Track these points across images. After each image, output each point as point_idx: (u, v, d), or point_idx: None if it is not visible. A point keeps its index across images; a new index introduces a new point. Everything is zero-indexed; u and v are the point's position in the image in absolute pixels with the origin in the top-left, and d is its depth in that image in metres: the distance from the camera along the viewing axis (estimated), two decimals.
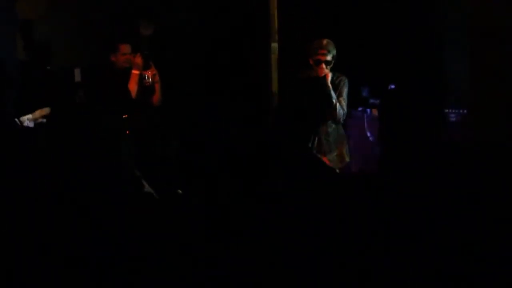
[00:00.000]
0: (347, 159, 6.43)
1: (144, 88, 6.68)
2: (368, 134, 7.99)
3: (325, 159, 6.09)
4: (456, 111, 7.61)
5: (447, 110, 7.52)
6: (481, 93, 5.83)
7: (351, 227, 2.49)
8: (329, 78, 6.16)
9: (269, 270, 2.75)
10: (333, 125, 6.31)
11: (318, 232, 2.73)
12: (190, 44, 7.89)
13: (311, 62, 6.24)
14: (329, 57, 6.18)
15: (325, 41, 6.22)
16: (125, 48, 6.83)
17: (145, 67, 6.68)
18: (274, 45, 8.20)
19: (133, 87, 6.63)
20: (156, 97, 6.80)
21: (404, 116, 2.43)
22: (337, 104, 6.16)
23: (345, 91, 6.28)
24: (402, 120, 2.46)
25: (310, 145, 6.16)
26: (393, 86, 7.42)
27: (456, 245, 2.32)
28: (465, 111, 7.34)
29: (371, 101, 8.15)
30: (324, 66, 6.16)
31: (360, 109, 8.18)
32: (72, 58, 7.89)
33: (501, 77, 5.67)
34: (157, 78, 6.73)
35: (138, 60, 6.67)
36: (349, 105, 7.72)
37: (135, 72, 6.66)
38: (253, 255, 2.72)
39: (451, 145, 2.57)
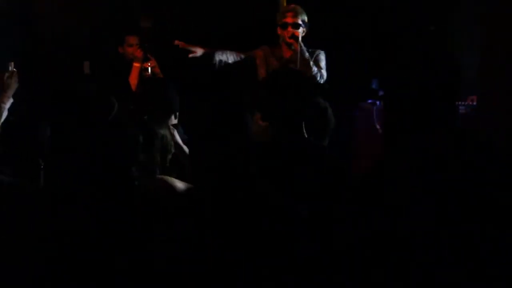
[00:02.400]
0: None
1: (145, 81, 6.71)
2: (378, 127, 7.92)
3: None
4: (466, 103, 7.52)
5: (458, 103, 7.45)
6: (489, 84, 5.76)
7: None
8: (299, 37, 5.96)
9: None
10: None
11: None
12: (193, 39, 7.87)
13: (278, 31, 6.07)
14: (298, 20, 6.00)
15: (292, 5, 6.12)
16: (132, 39, 6.88)
17: (145, 60, 6.72)
18: None
19: (133, 80, 6.68)
20: None
21: (412, 107, 2.36)
22: (311, 62, 5.93)
23: (322, 60, 6.08)
24: (410, 112, 2.38)
25: None
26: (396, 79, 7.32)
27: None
28: (474, 103, 7.27)
29: (381, 93, 8.08)
30: (291, 28, 5.96)
31: (369, 101, 8.11)
32: (82, 51, 7.92)
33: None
34: (157, 70, 6.76)
35: (138, 52, 6.71)
36: (358, 97, 7.69)
37: (135, 65, 6.70)
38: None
39: (463, 136, 2.48)
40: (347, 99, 7.78)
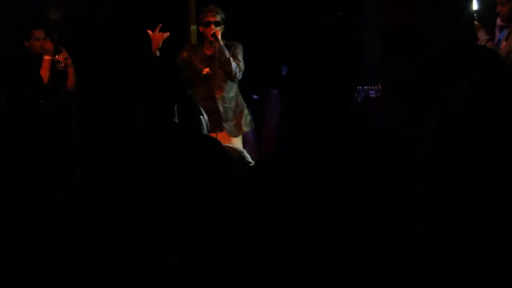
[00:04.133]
0: (245, 129, 6.73)
1: (57, 73, 6.69)
2: None
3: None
4: (376, 87, 7.70)
5: (362, 87, 7.65)
6: (390, 70, 5.90)
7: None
8: (219, 35, 6.38)
9: None
10: (232, 92, 6.63)
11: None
12: (105, 28, 7.82)
13: (201, 29, 6.54)
14: (218, 18, 6.45)
15: (211, 6, 6.53)
16: (38, 33, 6.80)
17: (56, 52, 6.70)
18: (193, 27, 8.16)
19: (45, 73, 6.60)
20: (70, 81, 6.80)
21: (307, 92, 2.41)
22: (230, 58, 6.41)
23: (239, 53, 6.56)
24: (304, 97, 2.44)
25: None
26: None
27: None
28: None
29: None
30: (213, 26, 6.39)
31: None
32: None
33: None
34: (69, 61, 6.73)
35: (48, 45, 6.66)
36: (268, 84, 7.83)
37: (46, 57, 6.65)
38: None
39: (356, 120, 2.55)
40: (257, 86, 7.90)
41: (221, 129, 6.53)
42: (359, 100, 7.68)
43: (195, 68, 6.47)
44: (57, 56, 6.66)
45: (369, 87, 7.76)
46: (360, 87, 7.65)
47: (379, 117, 5.94)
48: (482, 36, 6.00)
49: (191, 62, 6.50)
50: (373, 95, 7.73)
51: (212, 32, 6.36)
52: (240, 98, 6.70)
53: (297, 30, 8.00)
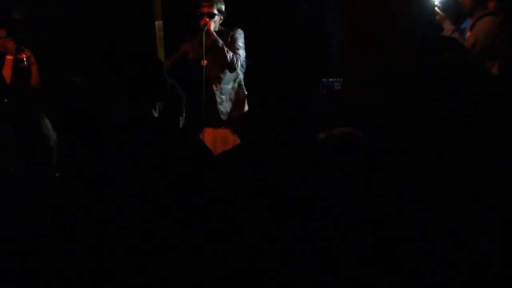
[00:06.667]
0: None
1: (20, 72, 6.64)
2: None
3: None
4: (340, 80, 7.69)
5: (327, 79, 7.64)
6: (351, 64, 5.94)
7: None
8: (212, 27, 6.17)
9: None
10: (231, 83, 6.33)
11: None
12: (69, 25, 7.76)
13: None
14: (213, 9, 6.20)
15: None
16: (0, 31, 6.76)
17: (18, 51, 6.66)
18: (159, 23, 8.11)
19: (7, 72, 6.59)
20: (34, 79, 6.80)
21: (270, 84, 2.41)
22: (225, 48, 6.14)
23: (239, 40, 6.29)
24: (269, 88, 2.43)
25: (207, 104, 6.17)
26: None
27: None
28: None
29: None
30: (206, 18, 6.16)
31: None
32: None
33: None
34: (32, 60, 6.73)
35: (10, 44, 6.63)
36: None
37: (8, 57, 6.62)
38: None
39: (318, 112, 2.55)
40: None
41: (221, 123, 6.29)
42: (324, 92, 7.67)
43: (195, 60, 6.26)
44: (19, 55, 6.64)
45: (334, 79, 7.75)
46: (325, 80, 7.64)
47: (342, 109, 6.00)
48: (447, 26, 6.00)
49: (191, 54, 6.34)
50: (338, 87, 7.72)
51: (203, 23, 6.14)
52: (243, 90, 6.38)
53: (261, 22, 7.97)
